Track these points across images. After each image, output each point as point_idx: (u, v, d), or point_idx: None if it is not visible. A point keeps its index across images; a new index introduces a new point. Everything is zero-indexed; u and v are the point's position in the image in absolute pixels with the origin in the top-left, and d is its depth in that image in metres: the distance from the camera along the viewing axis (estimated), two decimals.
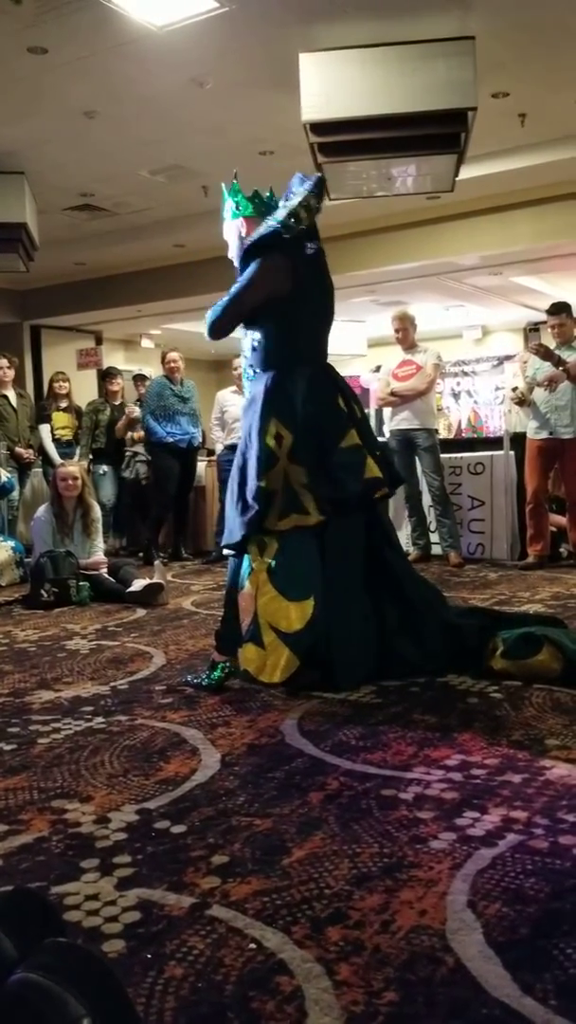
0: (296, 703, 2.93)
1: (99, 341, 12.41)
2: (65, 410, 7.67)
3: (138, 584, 5.04)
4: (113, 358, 12.21)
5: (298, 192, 3.24)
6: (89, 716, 2.87)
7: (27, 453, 7.25)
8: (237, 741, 2.54)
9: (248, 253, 3.20)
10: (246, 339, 3.30)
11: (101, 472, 7.44)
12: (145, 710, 2.92)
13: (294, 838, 1.89)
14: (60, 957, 1.13)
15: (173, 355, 7.06)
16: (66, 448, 7.49)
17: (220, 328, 3.19)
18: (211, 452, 7.63)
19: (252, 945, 1.49)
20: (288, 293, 3.12)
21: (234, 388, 7.08)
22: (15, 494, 6.91)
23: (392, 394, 6.48)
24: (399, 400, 6.44)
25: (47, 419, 7.62)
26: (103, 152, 7.21)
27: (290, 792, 2.15)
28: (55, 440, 7.56)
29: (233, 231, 3.35)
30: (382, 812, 2.01)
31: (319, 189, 3.30)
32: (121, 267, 10.68)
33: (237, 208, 3.33)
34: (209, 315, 3.20)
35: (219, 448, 7.08)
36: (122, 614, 4.80)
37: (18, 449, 7.15)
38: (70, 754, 2.49)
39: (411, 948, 1.47)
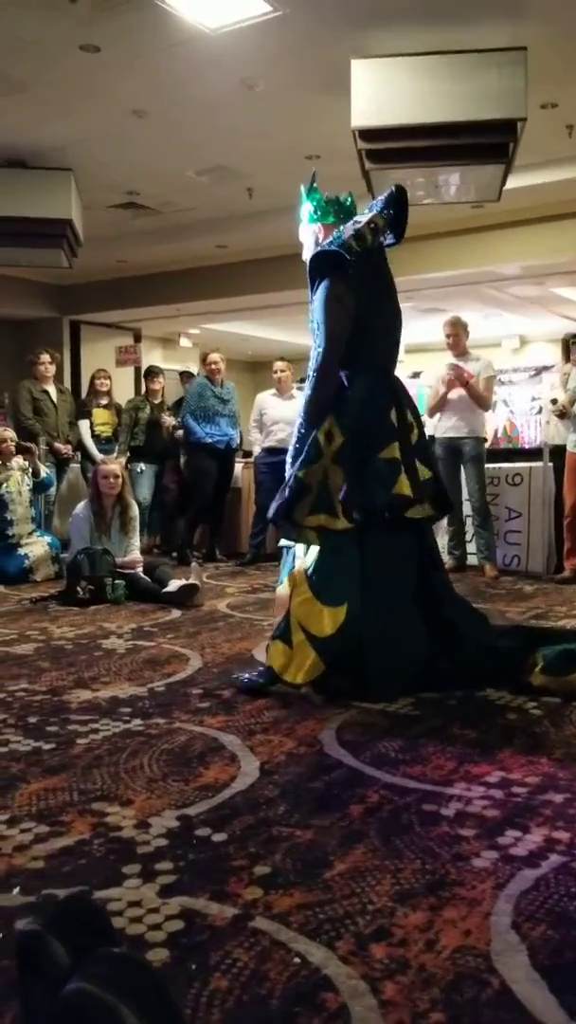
0: (334, 712, 2.92)
1: (137, 339, 12.48)
2: (106, 407, 7.72)
3: (174, 584, 5.05)
4: (151, 356, 12.26)
5: (373, 210, 3.33)
6: (127, 717, 2.88)
7: (65, 449, 7.31)
8: (276, 749, 2.54)
9: (314, 267, 3.27)
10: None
11: (139, 470, 7.46)
12: (183, 713, 2.93)
13: (335, 851, 1.89)
14: (114, 968, 1.13)
15: (214, 356, 7.08)
16: (105, 445, 7.53)
17: (331, 373, 3.20)
18: (248, 454, 7.63)
19: (296, 960, 1.49)
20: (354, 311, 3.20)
21: (274, 391, 7.07)
22: (52, 489, 6.96)
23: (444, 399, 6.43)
24: (447, 408, 6.40)
25: (87, 415, 7.67)
26: (150, 151, 7.25)
27: (330, 804, 2.14)
28: (94, 436, 7.61)
29: (310, 235, 3.42)
30: (423, 828, 2.00)
31: (388, 206, 3.36)
32: (162, 266, 10.73)
33: (315, 213, 3.38)
34: (313, 374, 3.21)
35: (257, 450, 7.09)
36: (157, 614, 4.81)
37: (57, 444, 7.21)
38: (109, 756, 2.50)
39: (456, 968, 1.46)
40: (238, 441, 7.28)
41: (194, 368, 9.52)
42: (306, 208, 3.41)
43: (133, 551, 5.44)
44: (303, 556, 3.15)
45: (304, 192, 3.43)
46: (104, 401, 7.67)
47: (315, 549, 3.12)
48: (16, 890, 1.72)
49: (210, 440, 6.92)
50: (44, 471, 6.41)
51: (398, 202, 3.37)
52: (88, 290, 11.48)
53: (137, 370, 11.79)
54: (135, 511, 5.53)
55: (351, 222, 3.29)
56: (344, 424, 3.13)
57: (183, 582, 5.05)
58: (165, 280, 10.94)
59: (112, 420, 7.69)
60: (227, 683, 3.29)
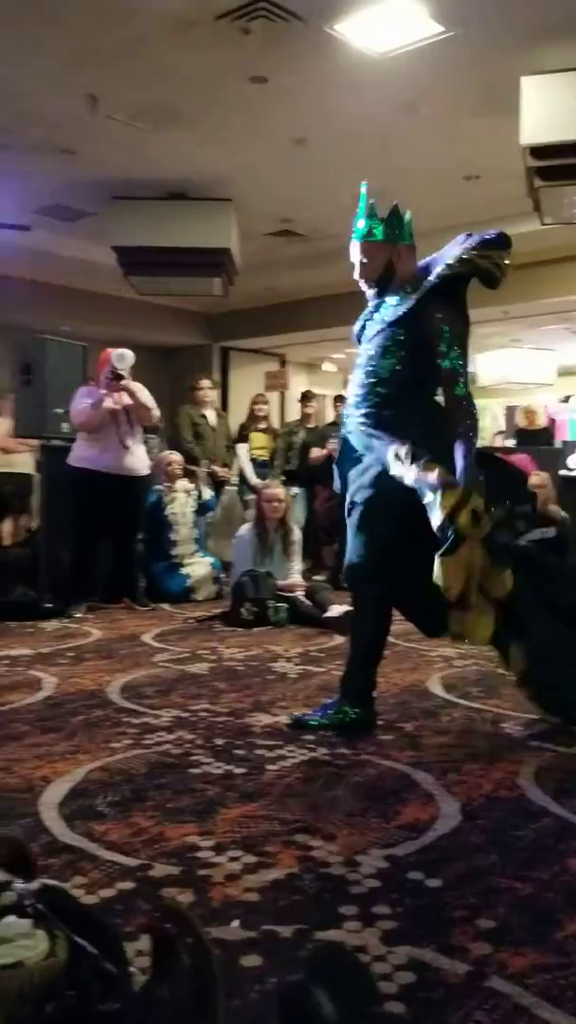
0: (527, 753, 2.78)
1: (283, 364, 12.63)
2: (263, 431, 7.80)
3: (336, 610, 5.00)
4: (296, 381, 12.37)
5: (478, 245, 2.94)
6: (312, 746, 2.83)
7: (223, 472, 7.42)
8: (474, 791, 2.43)
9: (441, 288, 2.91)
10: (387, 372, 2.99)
11: (292, 494, 7.48)
12: (367, 745, 2.85)
13: (563, 909, 1.76)
14: None
15: None
16: (262, 468, 7.61)
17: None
18: None
19: None
20: None
21: None
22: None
23: None
24: None
25: (245, 439, 7.77)
26: (308, 178, 7.32)
27: (545, 855, 2.01)
28: (252, 460, 7.70)
29: (381, 252, 3.05)
30: None
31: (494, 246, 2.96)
32: (309, 292, 10.82)
33: (394, 231, 3.06)
34: (466, 400, 2.90)
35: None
36: (320, 639, 4.77)
37: (214, 467, 7.32)
38: (302, 785, 2.46)
39: None
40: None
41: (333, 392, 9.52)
42: (381, 223, 3.07)
43: (294, 574, 5.44)
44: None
45: (366, 206, 3.11)
46: (262, 425, 7.75)
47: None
48: (235, 923, 1.68)
49: None
50: (208, 493, 6.52)
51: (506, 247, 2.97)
52: (237, 317, 11.71)
53: (282, 395, 11.92)
54: (297, 535, 5.53)
55: (472, 251, 2.91)
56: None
57: (346, 608, 4.98)
58: (311, 306, 11.03)
59: (269, 444, 7.76)
60: (405, 715, 3.20)
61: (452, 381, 2.87)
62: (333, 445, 7.26)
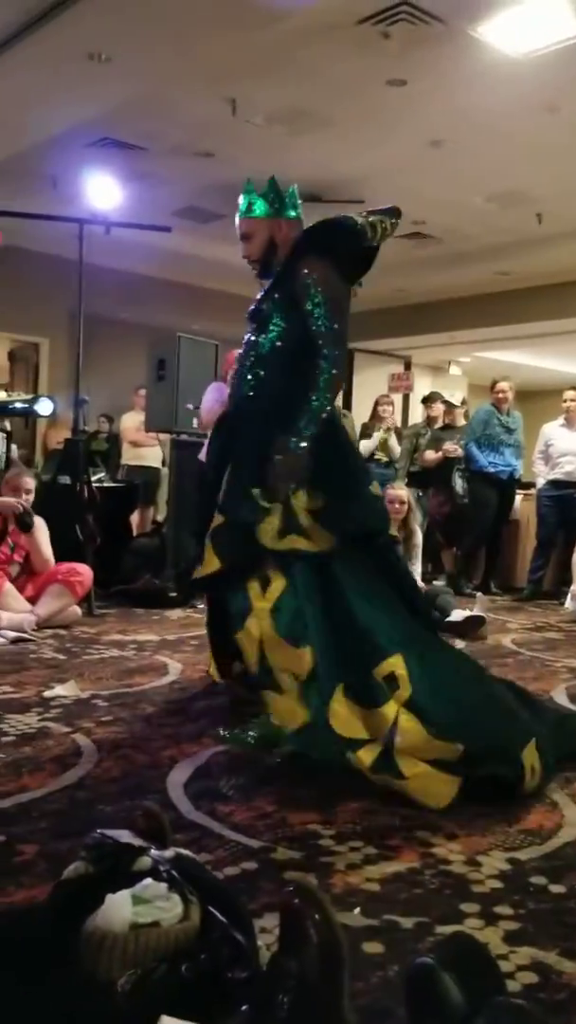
0: None
1: (408, 366, 12.56)
2: (386, 431, 7.78)
3: (457, 614, 4.96)
4: (421, 384, 12.29)
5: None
6: None
7: None
8: None
9: (309, 242, 2.74)
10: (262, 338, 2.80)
11: (417, 496, 7.44)
12: None
13: None
14: (518, 1021, 1.07)
15: (503, 384, 6.94)
16: (384, 469, 7.58)
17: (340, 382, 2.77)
18: (528, 485, 7.38)
19: None
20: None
21: (562, 421, 6.81)
22: None
23: None
24: None
25: (368, 438, 7.77)
26: (442, 180, 7.29)
27: None
28: (374, 461, 7.69)
29: (264, 230, 2.87)
30: None
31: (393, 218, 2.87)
32: (438, 294, 10.75)
33: (273, 206, 2.86)
34: (325, 375, 2.65)
35: (540, 483, 6.84)
36: None
37: None
38: None
39: None
40: (520, 472, 7.08)
41: (459, 395, 9.37)
42: (260, 198, 2.87)
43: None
44: (260, 595, 2.67)
45: (251, 182, 2.93)
46: (386, 427, 7.73)
47: (278, 586, 2.65)
48: (357, 910, 1.71)
49: (493, 469, 6.78)
50: None
51: (398, 218, 2.88)
52: (364, 319, 11.68)
53: (406, 397, 11.85)
54: (419, 538, 5.51)
55: (356, 213, 2.77)
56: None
57: (468, 613, 4.95)
58: (439, 308, 10.95)
59: (388, 446, 7.73)
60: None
61: (315, 345, 2.63)
62: (450, 448, 7.19)
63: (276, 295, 2.80)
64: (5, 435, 5.83)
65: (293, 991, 1.24)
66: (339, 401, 8.48)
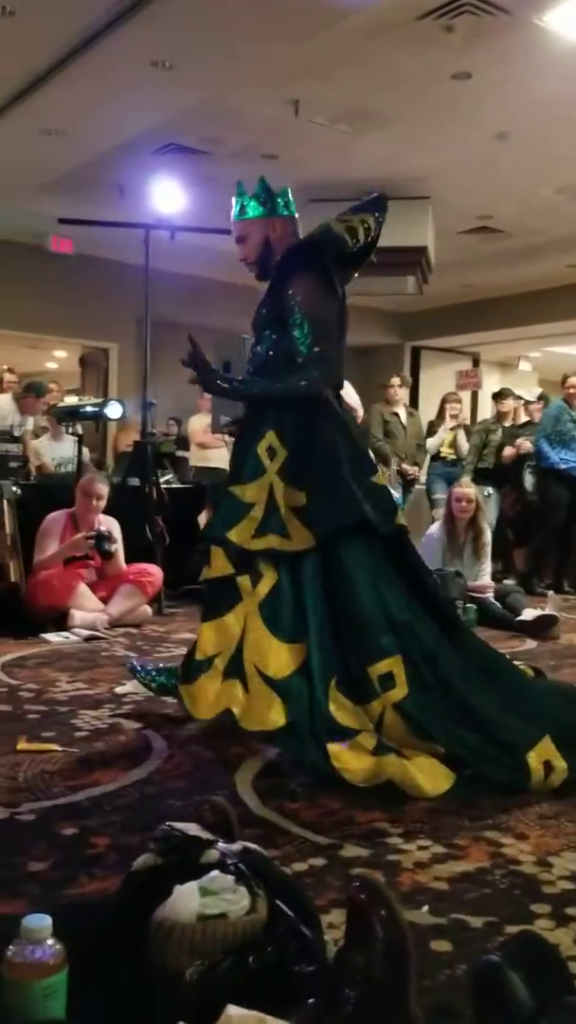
0: None
1: (476, 363, 12.43)
2: (453, 429, 7.71)
3: (529, 613, 4.88)
4: (489, 380, 12.15)
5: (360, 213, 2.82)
6: None
7: (412, 470, 7.40)
8: None
9: (294, 258, 2.75)
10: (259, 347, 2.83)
11: (485, 494, 7.35)
12: None
13: None
14: None
15: (574, 379, 6.81)
16: (451, 467, 7.52)
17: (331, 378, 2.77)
18: None
19: None
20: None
21: None
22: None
23: None
24: None
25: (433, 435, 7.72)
26: (509, 173, 7.19)
27: None
28: (440, 459, 7.63)
29: (258, 232, 2.88)
30: None
31: (377, 211, 2.84)
32: (506, 289, 10.61)
33: (265, 206, 2.88)
34: (298, 391, 2.70)
35: None
36: (512, 643, 4.67)
37: (404, 466, 7.32)
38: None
39: None
40: None
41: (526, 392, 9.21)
42: (252, 199, 2.89)
43: (484, 576, 5.35)
44: (250, 589, 2.66)
45: (242, 184, 2.95)
46: (452, 424, 7.66)
47: (269, 580, 2.63)
48: (425, 908, 1.70)
49: (564, 466, 6.65)
50: (396, 495, 6.52)
51: (384, 211, 2.85)
52: (430, 316, 11.64)
53: (474, 394, 11.72)
54: (488, 536, 5.44)
55: (334, 219, 2.76)
56: (289, 439, 2.68)
57: (540, 611, 4.87)
58: (508, 303, 10.80)
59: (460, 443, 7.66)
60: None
61: (294, 362, 2.66)
62: (524, 444, 7.09)
63: (265, 309, 2.82)
64: (77, 439, 5.95)
65: (359, 986, 1.24)
66: (406, 399, 8.42)
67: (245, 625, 2.62)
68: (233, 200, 2.92)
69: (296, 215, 2.91)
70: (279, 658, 2.54)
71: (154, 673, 3.00)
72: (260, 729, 2.51)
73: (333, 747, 2.37)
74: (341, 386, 2.92)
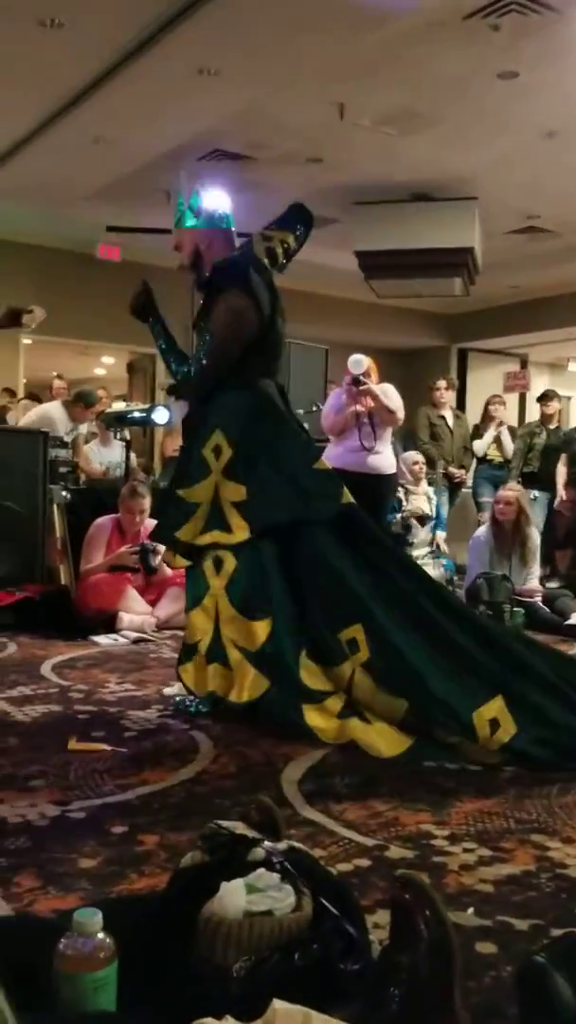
0: None
1: (524, 364, 12.31)
2: (497, 429, 7.66)
3: None
4: (538, 382, 12.02)
5: (285, 227, 3.23)
6: None
7: (459, 473, 7.37)
8: None
9: (215, 278, 3.11)
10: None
11: (532, 497, 7.29)
12: None
13: None
14: None
15: None
16: (497, 470, 7.47)
17: (206, 386, 3.11)
18: None
19: None
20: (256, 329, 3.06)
21: None
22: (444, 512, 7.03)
23: None
24: None
25: (480, 439, 7.68)
26: (557, 172, 7.12)
27: None
28: (487, 462, 7.58)
29: (189, 241, 3.23)
30: None
31: (299, 225, 3.24)
32: (555, 289, 10.49)
33: (199, 218, 3.23)
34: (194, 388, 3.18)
35: None
36: (560, 647, 4.61)
37: (451, 468, 7.30)
38: (538, 787, 2.42)
39: None
40: None
41: None
42: (188, 211, 3.21)
43: (532, 579, 5.31)
44: (214, 574, 2.98)
45: (181, 195, 3.25)
46: (496, 425, 7.61)
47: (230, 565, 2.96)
48: (470, 910, 1.70)
49: None
50: (435, 500, 6.50)
51: (306, 223, 3.25)
52: (477, 318, 11.55)
53: (522, 396, 11.62)
54: (536, 540, 5.40)
55: (258, 235, 3.16)
56: (233, 436, 2.98)
57: None
58: (558, 303, 10.67)
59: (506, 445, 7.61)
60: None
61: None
62: None
63: (202, 321, 3.16)
64: (125, 444, 6.02)
65: (404, 984, 1.25)
66: (453, 402, 8.37)
67: (217, 607, 2.95)
68: (176, 209, 3.27)
69: (231, 228, 3.23)
70: (251, 633, 2.87)
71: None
72: (248, 699, 2.83)
73: (307, 709, 2.74)
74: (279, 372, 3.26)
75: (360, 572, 2.89)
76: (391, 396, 5.14)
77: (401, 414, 5.23)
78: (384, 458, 5.27)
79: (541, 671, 2.75)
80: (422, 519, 6.30)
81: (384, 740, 2.64)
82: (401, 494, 6.28)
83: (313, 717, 2.73)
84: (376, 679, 2.73)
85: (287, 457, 3.02)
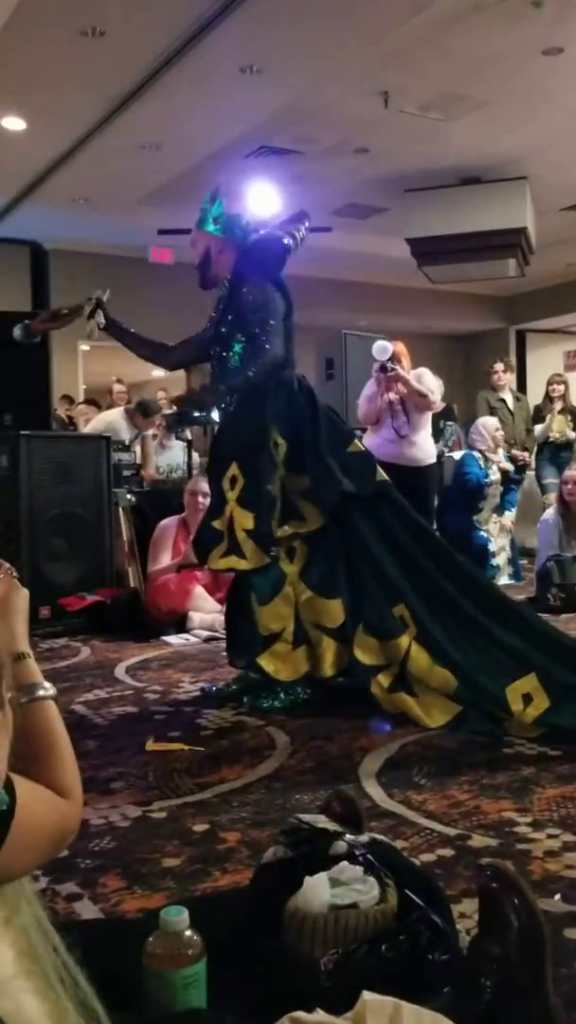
0: None
1: None
2: (560, 412, 7.51)
3: None
4: None
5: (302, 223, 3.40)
6: None
7: (522, 456, 7.24)
8: None
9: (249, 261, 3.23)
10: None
11: None
12: None
13: None
14: None
15: None
16: (561, 451, 7.32)
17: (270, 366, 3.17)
18: None
19: None
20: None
21: None
22: (514, 496, 6.91)
23: None
24: None
25: (542, 421, 7.53)
26: None
27: None
28: (549, 443, 7.43)
29: (202, 242, 3.34)
30: None
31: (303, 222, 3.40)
32: None
33: (216, 225, 3.32)
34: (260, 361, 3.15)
35: None
36: None
37: (514, 451, 7.17)
38: None
39: None
40: None
41: None
42: (212, 216, 3.33)
43: None
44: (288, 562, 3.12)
45: (209, 199, 3.36)
46: (559, 407, 7.46)
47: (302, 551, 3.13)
48: (557, 897, 1.68)
49: None
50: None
51: (308, 219, 3.44)
52: (534, 297, 11.37)
53: None
54: None
55: (277, 227, 3.37)
56: (285, 430, 3.11)
57: None
58: None
59: (567, 426, 7.44)
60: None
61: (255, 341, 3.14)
62: None
63: (230, 316, 3.26)
64: (186, 444, 6.07)
65: (495, 974, 1.24)
66: (512, 384, 8.24)
67: (295, 593, 3.10)
68: (202, 207, 3.39)
69: (246, 242, 3.32)
70: (329, 612, 3.06)
71: (224, 685, 3.34)
72: (333, 674, 3.05)
73: (373, 682, 2.94)
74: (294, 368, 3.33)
75: (401, 552, 3.07)
76: (425, 380, 5.06)
77: (435, 397, 5.13)
78: (421, 448, 5.16)
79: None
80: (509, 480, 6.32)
81: (434, 711, 2.84)
82: (481, 460, 6.20)
83: (375, 690, 2.95)
84: (431, 652, 2.90)
85: (326, 442, 3.15)
